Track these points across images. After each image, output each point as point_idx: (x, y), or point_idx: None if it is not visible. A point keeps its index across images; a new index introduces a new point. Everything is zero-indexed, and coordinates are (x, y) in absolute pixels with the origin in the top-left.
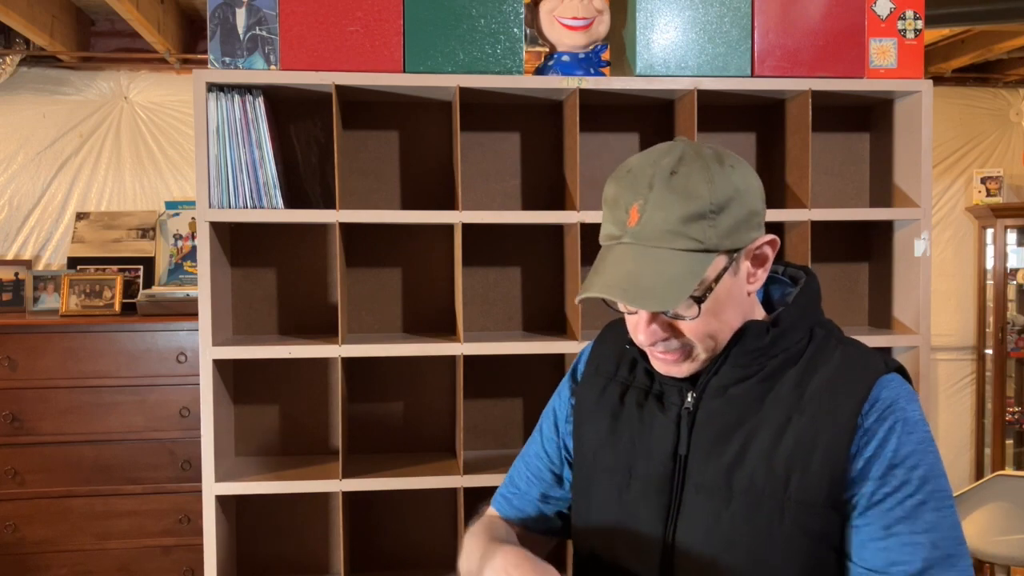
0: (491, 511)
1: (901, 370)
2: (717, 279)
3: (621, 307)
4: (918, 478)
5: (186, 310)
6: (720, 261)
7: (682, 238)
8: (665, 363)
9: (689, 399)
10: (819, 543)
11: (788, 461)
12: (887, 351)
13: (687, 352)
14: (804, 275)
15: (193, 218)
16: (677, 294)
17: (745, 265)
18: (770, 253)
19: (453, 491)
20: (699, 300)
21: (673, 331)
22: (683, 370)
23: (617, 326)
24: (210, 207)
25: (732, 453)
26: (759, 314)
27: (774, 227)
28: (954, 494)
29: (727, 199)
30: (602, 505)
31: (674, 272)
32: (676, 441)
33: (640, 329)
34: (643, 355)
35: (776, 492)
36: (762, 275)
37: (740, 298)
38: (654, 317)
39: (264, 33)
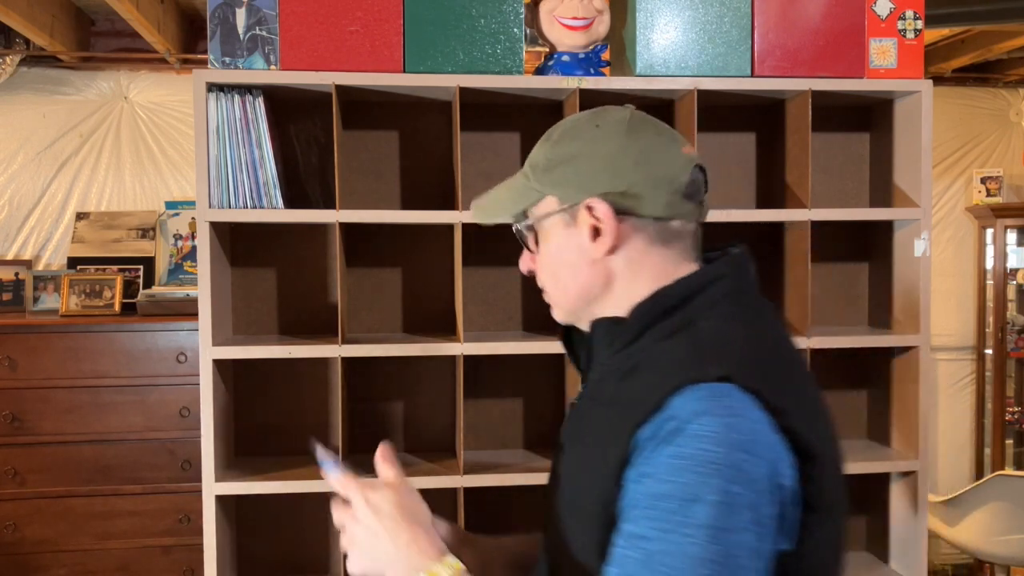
0: None
1: (736, 379)
2: (547, 216)
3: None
4: (654, 493)
5: (186, 310)
6: (550, 201)
7: (522, 175)
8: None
9: (579, 393)
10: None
11: (576, 478)
12: (889, 350)
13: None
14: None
15: (193, 218)
16: (498, 208)
17: (585, 227)
18: (607, 228)
19: (453, 491)
20: (529, 228)
21: (532, 263)
22: (554, 315)
23: None
24: (210, 207)
25: (565, 457)
26: (621, 299)
27: (774, 227)
28: (954, 494)
29: (563, 157)
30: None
31: (507, 194)
32: (562, 440)
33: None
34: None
35: (563, 510)
36: (601, 249)
37: (578, 262)
38: (523, 248)
39: (264, 33)
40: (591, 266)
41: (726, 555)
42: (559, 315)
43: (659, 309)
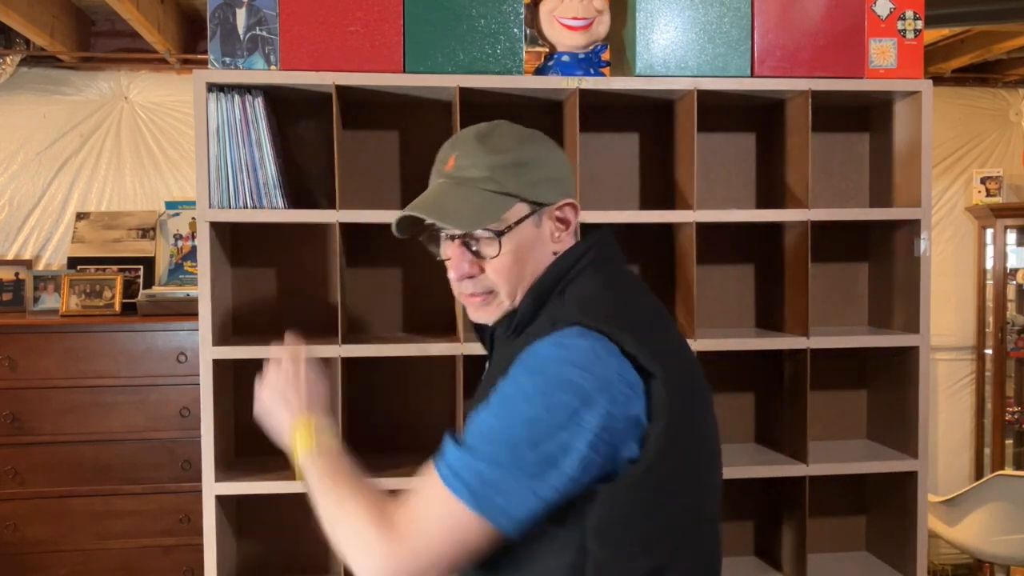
0: None
1: (583, 323)
2: (518, 223)
3: (441, 250)
4: (500, 389)
5: (186, 310)
6: (521, 208)
7: (489, 181)
8: (474, 306)
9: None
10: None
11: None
12: (889, 350)
13: (491, 296)
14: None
15: (193, 218)
16: (477, 217)
17: (549, 224)
18: (571, 216)
19: None
20: (499, 234)
21: (479, 270)
22: (488, 314)
23: None
24: (210, 207)
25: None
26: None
27: (774, 227)
28: (954, 494)
29: (531, 159)
30: None
31: (477, 202)
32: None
33: (452, 265)
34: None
35: None
36: (567, 238)
37: (542, 255)
38: (464, 253)
39: (264, 33)
40: (548, 258)
41: (539, 436)
42: (498, 312)
43: (546, 285)
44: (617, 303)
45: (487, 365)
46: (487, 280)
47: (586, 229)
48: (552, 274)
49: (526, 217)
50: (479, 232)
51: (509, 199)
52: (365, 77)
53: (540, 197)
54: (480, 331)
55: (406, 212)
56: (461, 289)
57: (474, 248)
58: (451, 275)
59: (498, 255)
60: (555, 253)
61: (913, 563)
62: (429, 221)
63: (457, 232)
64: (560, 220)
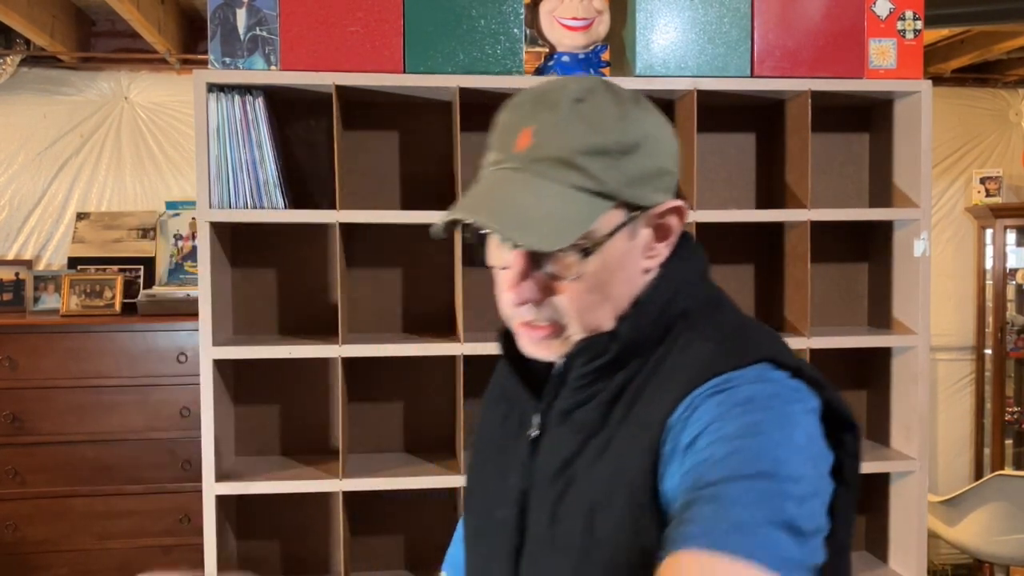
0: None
1: (774, 360)
2: (609, 235)
3: (495, 254)
4: (728, 437)
5: (186, 310)
6: (616, 215)
7: (577, 172)
8: (532, 339)
9: (534, 425)
10: None
11: (596, 493)
12: (889, 350)
13: (559, 328)
14: (673, 256)
15: (193, 218)
16: (562, 233)
17: (645, 233)
18: (676, 225)
19: (453, 491)
20: (585, 253)
21: (548, 294)
22: (552, 350)
23: None
24: (210, 207)
25: (557, 491)
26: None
27: (774, 227)
28: (954, 494)
29: (637, 142)
30: (469, 553)
31: (562, 209)
32: (523, 477)
33: (510, 284)
34: (510, 343)
35: (583, 540)
36: (664, 251)
37: (633, 275)
38: (529, 270)
39: (264, 33)
40: (642, 276)
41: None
42: (563, 349)
43: (652, 316)
44: (769, 332)
45: (534, 421)
46: (557, 309)
47: None
48: (656, 308)
49: (621, 227)
50: (564, 247)
51: (603, 202)
52: (365, 77)
53: (641, 199)
54: (520, 360)
55: (460, 216)
56: (518, 315)
57: (545, 266)
58: (505, 296)
59: (578, 278)
60: (646, 270)
61: (913, 563)
62: (486, 230)
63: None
64: (660, 228)
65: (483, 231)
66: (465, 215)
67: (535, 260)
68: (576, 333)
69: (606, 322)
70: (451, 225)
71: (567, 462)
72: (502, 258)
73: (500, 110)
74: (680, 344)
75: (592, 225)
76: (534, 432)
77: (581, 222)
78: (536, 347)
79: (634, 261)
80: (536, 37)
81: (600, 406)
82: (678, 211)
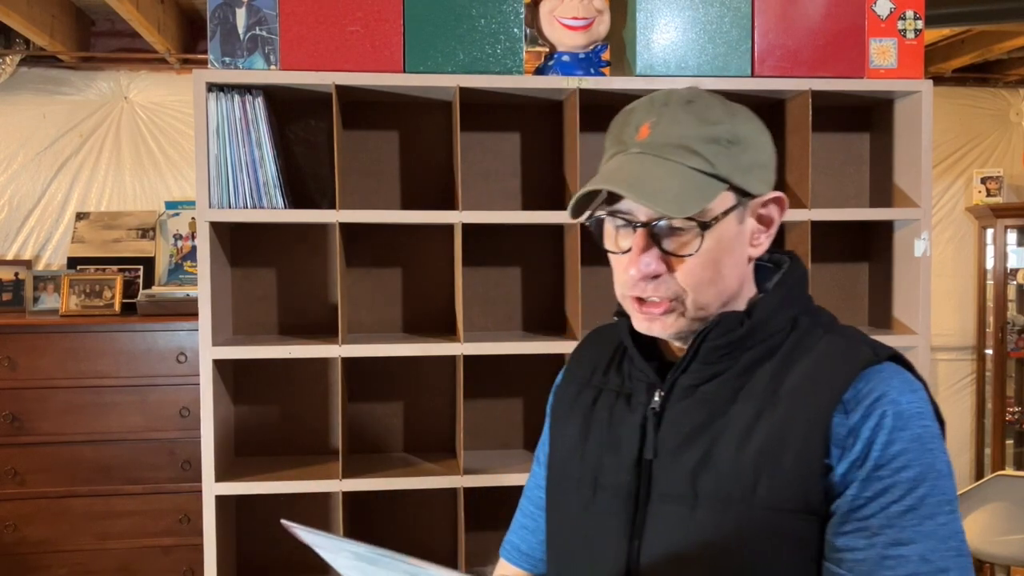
0: (502, 564)
1: (898, 358)
2: (724, 214)
3: (615, 239)
4: (907, 480)
5: (186, 310)
6: (727, 198)
7: (694, 155)
8: (649, 316)
9: (656, 398)
10: (796, 551)
11: (757, 462)
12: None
13: (676, 304)
14: (788, 260)
15: (193, 218)
16: (686, 203)
17: (751, 221)
18: (776, 216)
19: (453, 491)
20: (704, 227)
21: (668, 268)
22: (667, 326)
23: (600, 332)
24: (210, 207)
25: (698, 455)
26: (751, 292)
27: None
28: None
29: (745, 135)
30: (569, 521)
31: (683, 184)
32: (641, 446)
33: (633, 260)
34: (621, 355)
35: (744, 496)
36: (766, 241)
37: (740, 258)
38: (650, 245)
39: (264, 33)
40: (747, 264)
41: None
42: (677, 327)
43: (778, 301)
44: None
45: (655, 397)
46: (675, 284)
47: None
48: (781, 297)
49: (731, 209)
50: (677, 223)
51: (717, 184)
52: (365, 77)
53: (750, 186)
54: (635, 344)
55: (598, 186)
56: (637, 291)
57: (664, 242)
58: (623, 273)
59: (695, 253)
60: (751, 259)
61: None
62: (607, 206)
63: (641, 219)
64: (763, 218)
65: (602, 216)
66: (606, 185)
67: (655, 239)
68: (691, 309)
69: (714, 303)
70: (579, 210)
71: (698, 430)
72: (620, 243)
73: (613, 121)
74: (815, 335)
75: (709, 204)
76: (655, 406)
77: (701, 197)
78: (651, 323)
79: (742, 246)
80: (536, 37)
81: (729, 380)
82: (779, 201)
